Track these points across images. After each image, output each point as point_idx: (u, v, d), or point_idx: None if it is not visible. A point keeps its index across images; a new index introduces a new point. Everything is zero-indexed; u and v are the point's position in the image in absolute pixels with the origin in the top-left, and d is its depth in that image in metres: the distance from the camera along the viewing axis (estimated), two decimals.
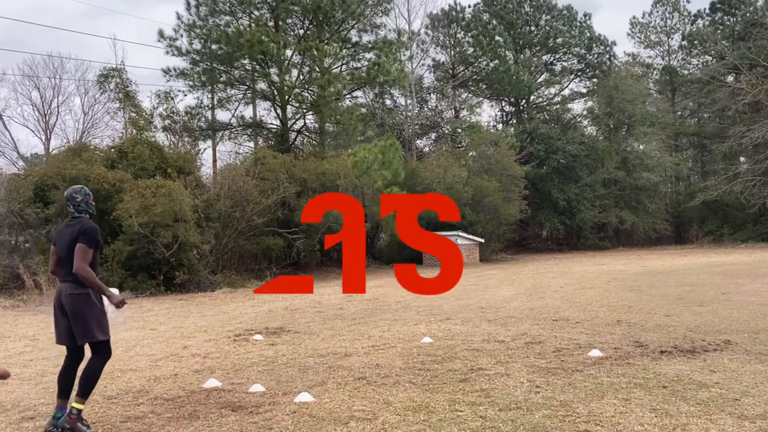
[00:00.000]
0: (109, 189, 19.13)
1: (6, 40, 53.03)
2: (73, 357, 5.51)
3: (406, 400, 5.97)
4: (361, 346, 8.91)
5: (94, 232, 5.28)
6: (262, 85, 30.05)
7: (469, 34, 40.43)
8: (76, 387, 5.43)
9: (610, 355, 7.58)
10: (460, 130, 38.65)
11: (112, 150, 22.90)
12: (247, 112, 34.24)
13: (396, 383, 6.64)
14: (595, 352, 7.69)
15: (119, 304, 5.37)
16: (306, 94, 27.75)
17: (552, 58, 44.76)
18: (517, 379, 6.62)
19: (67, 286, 5.28)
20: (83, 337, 5.29)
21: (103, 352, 5.42)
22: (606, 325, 9.93)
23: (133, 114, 30.25)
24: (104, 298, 5.38)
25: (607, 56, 44.11)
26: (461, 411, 5.55)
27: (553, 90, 45.63)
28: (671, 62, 48.01)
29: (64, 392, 5.39)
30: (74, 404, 5.22)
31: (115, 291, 5.48)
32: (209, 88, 29.73)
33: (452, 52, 41.62)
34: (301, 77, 29.25)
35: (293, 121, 30.14)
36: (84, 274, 5.13)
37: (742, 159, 43.59)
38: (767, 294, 13.28)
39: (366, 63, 29.49)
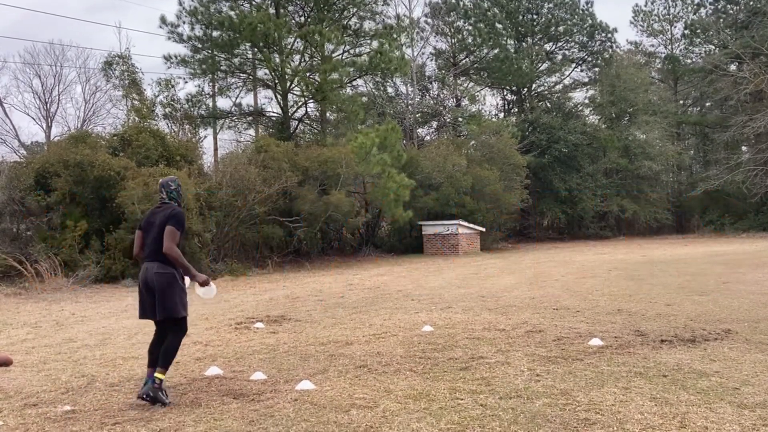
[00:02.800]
0: (113, 176, 19.11)
1: (10, 32, 52.93)
2: (162, 330, 5.88)
3: (407, 388, 5.99)
4: (362, 334, 8.94)
5: (182, 217, 5.75)
6: (262, 73, 30.00)
7: (469, 22, 40.26)
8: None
9: (610, 344, 7.60)
10: (461, 119, 38.55)
11: (115, 137, 22.86)
12: (248, 101, 34.24)
13: (397, 371, 6.66)
14: (596, 341, 7.71)
15: (205, 283, 5.91)
16: (309, 80, 27.65)
17: (554, 47, 44.53)
18: (518, 367, 6.64)
19: (155, 265, 5.67)
20: (165, 312, 5.67)
21: (182, 327, 5.84)
22: (607, 314, 9.95)
23: (136, 102, 30.20)
24: (186, 277, 5.87)
25: (609, 44, 43.91)
26: (462, 399, 5.57)
27: (554, 79, 45.45)
28: (674, 51, 47.80)
29: (153, 363, 5.80)
30: (157, 374, 5.69)
31: (208, 290, 6.04)
32: (210, 75, 29.66)
33: (452, 41, 41.46)
34: (303, 64, 29.17)
35: (294, 109, 30.09)
36: (173, 254, 5.57)
37: (744, 148, 43.50)
38: None
39: (367, 51, 29.39)
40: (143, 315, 5.86)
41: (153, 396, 5.62)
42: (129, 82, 31.55)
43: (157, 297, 5.66)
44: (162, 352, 5.74)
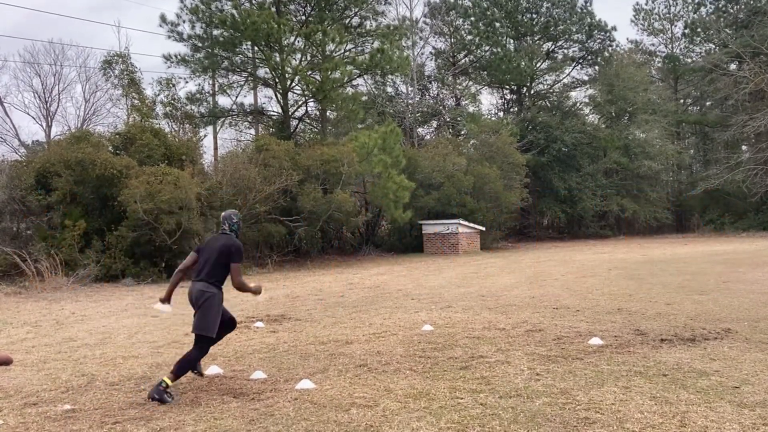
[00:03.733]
0: (115, 174, 19.12)
1: (14, 32, 52.89)
2: (217, 338, 6.35)
3: (407, 387, 5.99)
4: (362, 333, 8.94)
5: (242, 251, 6.34)
6: (263, 72, 30.00)
7: (468, 21, 40.25)
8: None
9: (610, 343, 7.61)
10: (460, 119, 38.55)
11: (117, 136, 22.86)
12: (248, 100, 34.23)
13: (397, 371, 6.66)
14: (596, 340, 7.71)
15: (257, 290, 6.52)
16: (312, 78, 27.66)
17: (553, 46, 44.53)
18: (518, 366, 6.64)
19: (202, 284, 6.15)
20: (199, 329, 6.08)
21: (205, 345, 6.21)
22: (606, 313, 9.95)
23: (136, 101, 30.19)
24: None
25: (608, 43, 43.90)
26: (462, 398, 5.57)
27: (553, 78, 45.45)
28: (674, 50, 47.80)
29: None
30: (166, 378, 5.90)
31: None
32: (210, 74, 29.67)
33: (452, 40, 41.45)
34: (304, 62, 29.17)
35: (295, 108, 30.09)
36: (243, 289, 6.28)
37: (744, 148, 43.51)
38: (767, 283, 13.30)
39: (368, 50, 29.38)
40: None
41: (159, 399, 5.81)
42: (128, 81, 31.55)
43: (198, 312, 6.12)
44: (178, 362, 6.03)
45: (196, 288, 6.15)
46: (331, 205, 23.11)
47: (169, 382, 5.85)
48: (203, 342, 6.13)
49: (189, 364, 6.06)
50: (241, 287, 6.22)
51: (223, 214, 6.52)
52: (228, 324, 6.54)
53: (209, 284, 6.13)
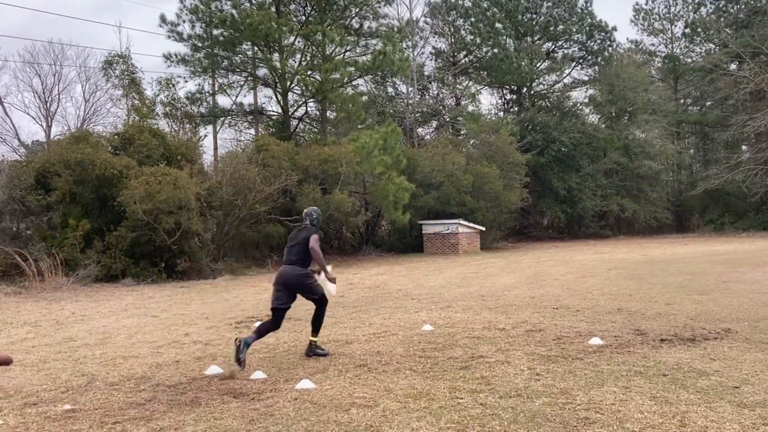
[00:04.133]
0: (115, 175, 19.11)
1: (17, 33, 52.88)
2: (278, 317, 7.42)
3: (407, 387, 5.99)
4: (362, 333, 8.94)
5: (321, 235, 7.50)
6: (263, 72, 30.01)
7: (468, 21, 40.26)
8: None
9: (610, 343, 7.60)
10: (460, 118, 38.54)
11: (116, 137, 22.85)
12: (248, 99, 34.22)
13: (397, 370, 6.66)
14: (596, 340, 7.71)
15: (333, 281, 7.55)
16: (309, 80, 27.67)
17: (553, 46, 44.53)
18: (518, 366, 6.64)
19: (294, 268, 7.41)
20: (314, 295, 7.53)
21: (323, 302, 7.61)
22: (606, 313, 9.95)
23: (136, 101, 30.18)
24: (321, 273, 7.53)
25: (608, 43, 43.90)
26: (462, 398, 5.57)
27: (554, 78, 45.45)
28: (674, 50, 47.79)
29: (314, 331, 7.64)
30: (312, 338, 7.57)
31: (329, 268, 7.62)
32: (210, 73, 29.68)
33: (452, 40, 41.45)
34: (304, 63, 29.17)
35: (294, 108, 30.09)
36: (316, 253, 7.28)
37: (744, 148, 43.50)
38: (767, 283, 13.30)
39: (369, 51, 29.39)
40: (278, 304, 7.37)
41: (313, 353, 7.42)
42: (129, 81, 31.55)
43: (299, 290, 7.44)
44: (314, 321, 7.56)
45: (286, 270, 7.41)
46: (330, 206, 23.11)
47: (314, 339, 7.46)
48: (320, 300, 7.54)
49: (321, 317, 7.59)
50: (314, 250, 7.29)
51: (305, 210, 7.74)
52: (290, 300, 7.58)
53: (299, 266, 7.39)
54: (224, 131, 34.28)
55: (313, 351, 7.49)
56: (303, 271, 7.43)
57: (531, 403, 5.38)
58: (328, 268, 7.58)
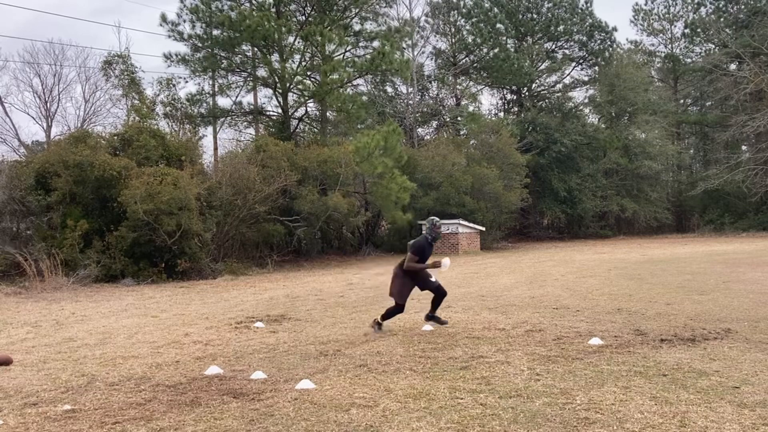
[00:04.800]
0: (114, 176, 19.12)
1: (22, 33, 52.89)
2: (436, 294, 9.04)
3: (407, 387, 5.99)
4: (362, 333, 8.94)
5: (418, 245, 8.79)
6: (263, 72, 30.00)
7: (470, 22, 40.25)
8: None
9: (610, 344, 7.61)
10: (460, 119, 38.54)
11: (116, 137, 22.85)
12: (248, 100, 34.21)
13: (397, 371, 6.66)
14: (596, 341, 7.71)
15: (438, 264, 8.77)
16: (308, 82, 27.66)
17: (553, 46, 44.50)
18: (518, 366, 6.64)
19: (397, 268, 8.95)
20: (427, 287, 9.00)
21: (398, 308, 8.86)
22: (606, 313, 9.95)
23: (136, 101, 30.17)
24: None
25: (609, 44, 43.87)
26: (462, 398, 5.57)
27: (554, 78, 45.44)
28: (674, 50, 47.77)
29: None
30: (379, 318, 8.95)
31: (446, 260, 8.83)
32: (210, 74, 29.67)
33: (452, 40, 41.44)
34: (303, 64, 29.16)
35: (294, 108, 30.08)
36: (410, 269, 8.68)
37: (744, 148, 43.47)
38: (767, 283, 13.30)
39: (369, 51, 29.38)
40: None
41: (374, 330, 8.83)
42: (128, 81, 31.53)
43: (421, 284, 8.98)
44: (387, 311, 8.98)
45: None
46: (328, 207, 23.11)
47: (381, 321, 8.76)
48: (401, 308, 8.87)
49: (392, 313, 8.76)
50: (408, 268, 8.59)
51: (433, 220, 8.93)
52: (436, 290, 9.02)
53: (398, 268, 8.76)
54: (224, 131, 34.28)
55: (374, 327, 8.86)
56: (397, 271, 8.81)
57: (531, 403, 5.38)
58: (438, 260, 8.75)
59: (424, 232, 8.94)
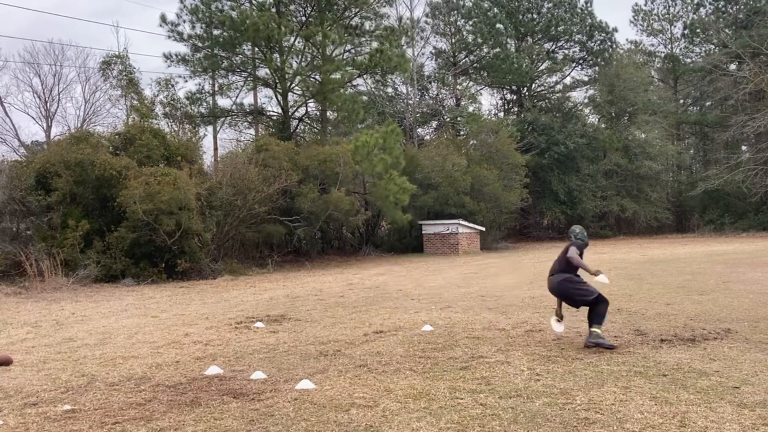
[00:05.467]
0: (114, 175, 19.12)
1: (26, 34, 52.91)
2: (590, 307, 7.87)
3: (407, 387, 5.99)
4: (362, 333, 8.94)
5: (579, 244, 8.15)
6: (263, 72, 30.01)
7: (470, 22, 40.27)
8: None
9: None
10: (460, 119, 38.54)
11: (117, 136, 22.85)
12: (248, 100, 34.22)
13: (397, 371, 6.66)
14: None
15: (596, 273, 7.87)
16: (310, 81, 27.64)
17: (553, 46, 44.50)
18: (518, 367, 6.64)
19: (558, 276, 8.05)
20: (580, 303, 7.98)
21: (600, 300, 7.80)
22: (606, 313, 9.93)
23: (135, 101, 30.17)
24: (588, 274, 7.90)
25: (609, 44, 43.88)
26: (462, 398, 5.57)
27: (554, 78, 45.44)
28: (674, 50, 47.78)
29: (589, 322, 7.76)
30: (594, 329, 7.55)
31: (602, 277, 7.91)
32: (210, 73, 29.67)
33: (453, 40, 41.45)
34: (303, 63, 29.16)
35: (294, 108, 30.09)
36: (573, 259, 7.92)
37: (744, 148, 43.48)
38: (767, 283, 13.30)
39: (368, 50, 29.38)
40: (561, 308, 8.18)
41: (595, 343, 7.42)
42: (127, 82, 31.54)
43: (568, 297, 8.00)
44: (595, 315, 7.68)
45: (554, 280, 8.03)
46: (329, 205, 23.11)
47: (597, 330, 7.54)
48: (595, 301, 7.75)
49: (603, 312, 7.76)
50: (571, 257, 7.95)
51: (571, 228, 8.55)
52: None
53: (562, 273, 8.00)
54: (224, 131, 34.25)
55: (594, 340, 7.55)
56: (562, 276, 8.06)
57: (531, 403, 5.38)
58: (592, 269, 7.98)
59: (575, 238, 8.37)
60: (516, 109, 44.86)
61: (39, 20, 55.77)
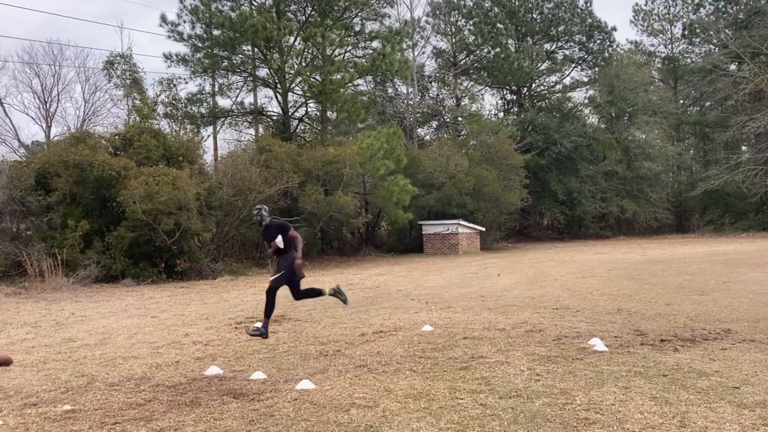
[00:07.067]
0: (113, 176, 19.11)
1: (31, 35, 52.96)
2: None
3: (407, 387, 5.99)
4: (362, 333, 8.94)
5: None
6: (263, 72, 30.02)
7: (470, 22, 40.27)
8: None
9: (610, 344, 7.60)
10: (460, 119, 38.54)
11: (117, 137, 22.85)
12: (248, 100, 34.23)
13: (397, 371, 6.66)
14: (596, 341, 7.69)
15: None
16: (312, 80, 27.64)
17: (554, 46, 44.50)
18: (518, 367, 6.64)
19: None
20: None
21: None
22: (606, 313, 9.95)
23: (138, 102, 30.20)
24: None
25: (608, 44, 43.88)
26: (462, 399, 5.57)
27: (554, 78, 45.44)
28: (674, 51, 47.78)
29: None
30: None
31: None
32: (210, 74, 29.69)
33: (453, 40, 41.46)
34: (304, 64, 29.16)
35: (295, 108, 30.09)
36: None
37: (743, 148, 43.47)
38: (767, 283, 13.30)
39: (369, 51, 29.38)
40: None
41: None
42: (130, 81, 31.57)
43: None
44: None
45: None
46: (332, 207, 23.10)
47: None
48: None
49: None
50: None
51: None
52: None
53: None
54: (224, 131, 34.23)
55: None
56: None
57: (531, 403, 5.38)
58: None
59: None
60: (516, 109, 44.86)
61: (48, 23, 55.83)
